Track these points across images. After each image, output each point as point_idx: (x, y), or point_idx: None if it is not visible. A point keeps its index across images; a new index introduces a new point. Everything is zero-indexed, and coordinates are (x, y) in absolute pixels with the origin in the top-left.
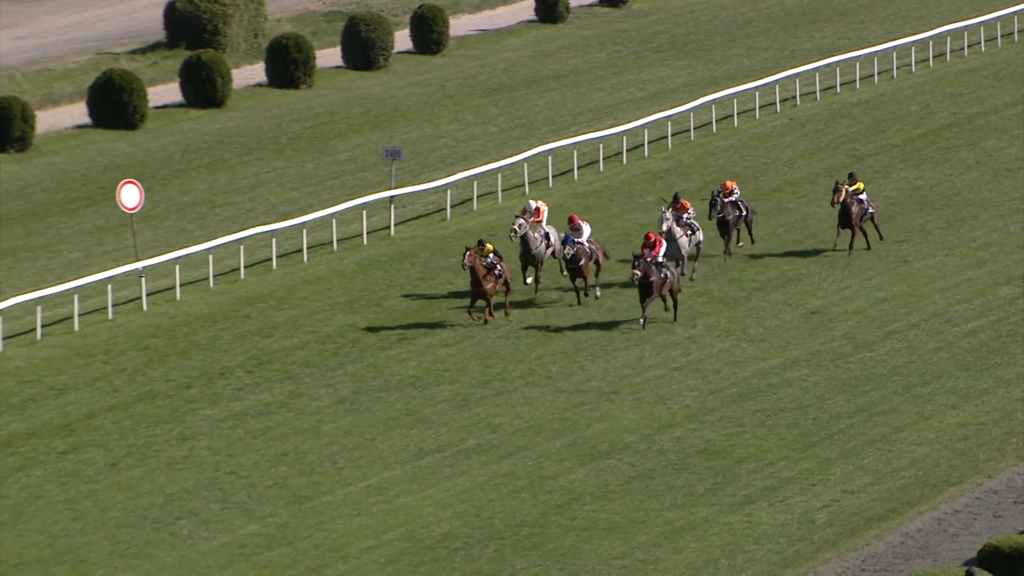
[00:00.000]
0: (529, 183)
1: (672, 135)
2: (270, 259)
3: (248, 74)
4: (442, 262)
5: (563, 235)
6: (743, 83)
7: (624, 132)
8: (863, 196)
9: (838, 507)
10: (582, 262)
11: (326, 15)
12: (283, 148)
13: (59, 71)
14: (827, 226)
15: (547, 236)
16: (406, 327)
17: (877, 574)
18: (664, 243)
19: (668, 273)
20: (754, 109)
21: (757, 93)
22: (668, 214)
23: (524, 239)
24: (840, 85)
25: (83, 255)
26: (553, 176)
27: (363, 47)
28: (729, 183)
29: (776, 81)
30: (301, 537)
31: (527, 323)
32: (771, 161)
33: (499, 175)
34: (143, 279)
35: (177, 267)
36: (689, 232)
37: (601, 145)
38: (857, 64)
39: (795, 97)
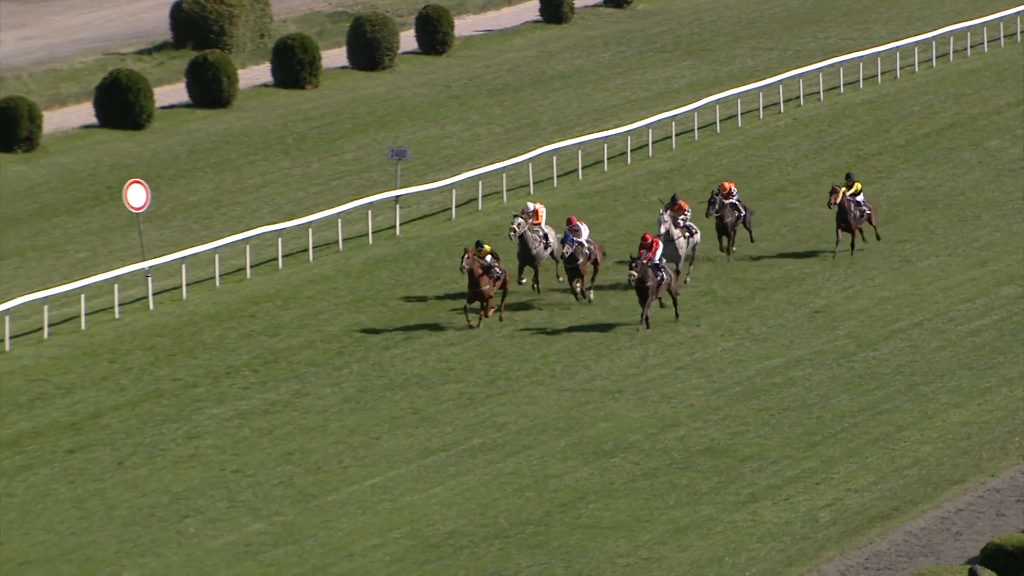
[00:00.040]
0: (534, 183)
1: (676, 135)
2: (276, 259)
3: (254, 74)
4: (447, 262)
5: (562, 235)
6: (747, 83)
7: (628, 132)
8: (860, 198)
9: (841, 505)
10: (580, 261)
11: (332, 16)
12: (289, 148)
13: (66, 71)
14: (830, 226)
15: (545, 237)
16: (411, 326)
17: (880, 572)
18: (661, 244)
19: (664, 275)
20: (758, 109)
21: (761, 93)
22: (666, 216)
23: (523, 239)
24: (844, 85)
25: (90, 255)
26: (558, 176)
27: (368, 48)
28: (727, 184)
29: (780, 81)
30: (307, 535)
31: (531, 322)
32: (775, 161)
33: (504, 175)
34: (149, 279)
35: (183, 267)
36: (687, 234)
37: (606, 145)
38: (861, 64)
39: (799, 97)
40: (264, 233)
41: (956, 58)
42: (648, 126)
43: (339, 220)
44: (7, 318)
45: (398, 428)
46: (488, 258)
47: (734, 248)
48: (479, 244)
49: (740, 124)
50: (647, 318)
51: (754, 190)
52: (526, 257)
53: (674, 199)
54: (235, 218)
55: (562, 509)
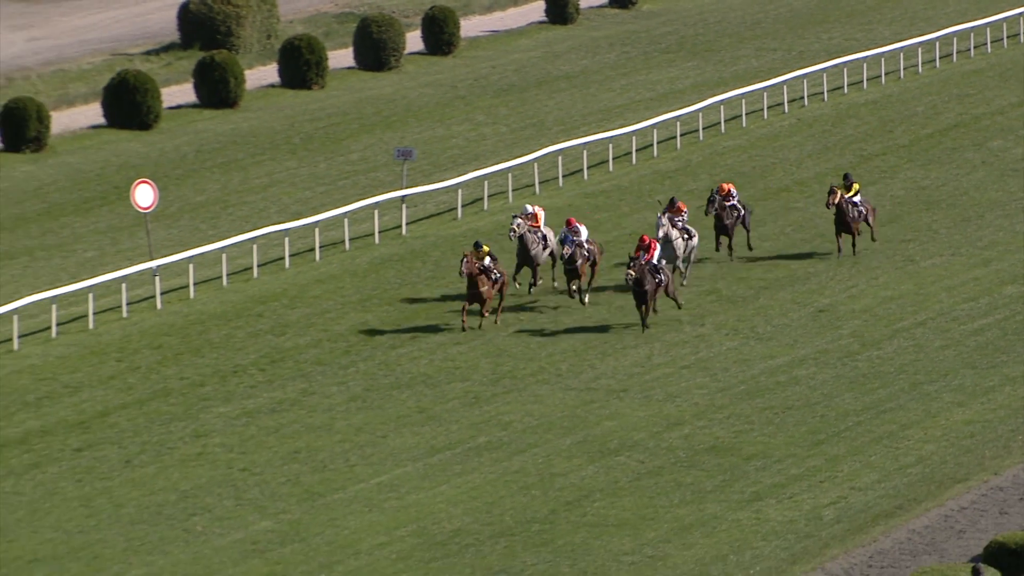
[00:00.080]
0: (539, 183)
1: (681, 135)
2: (283, 258)
3: (261, 75)
4: (453, 261)
5: (561, 235)
6: (751, 84)
7: (633, 132)
8: (857, 198)
9: (845, 504)
10: (579, 262)
11: (338, 16)
12: (296, 148)
13: (74, 72)
14: (833, 227)
15: (544, 239)
16: (417, 326)
17: (884, 570)
18: (658, 246)
19: (663, 277)
20: (762, 109)
21: (765, 94)
22: (664, 220)
23: (522, 239)
24: (847, 86)
25: (98, 254)
26: (563, 176)
27: (375, 48)
28: (726, 185)
29: (784, 82)
30: (313, 533)
31: (537, 322)
32: (779, 161)
33: (509, 175)
34: (157, 278)
35: (191, 266)
36: (686, 236)
37: (611, 145)
38: (864, 65)
39: (803, 98)
40: (271, 233)
41: (960, 59)
42: (653, 126)
43: (345, 220)
44: (15, 317)
45: (404, 427)
46: (487, 260)
47: (733, 249)
48: (477, 245)
49: (744, 124)
50: (647, 323)
51: (758, 190)
52: (525, 258)
53: (672, 201)
54: (242, 218)
55: (567, 507)
